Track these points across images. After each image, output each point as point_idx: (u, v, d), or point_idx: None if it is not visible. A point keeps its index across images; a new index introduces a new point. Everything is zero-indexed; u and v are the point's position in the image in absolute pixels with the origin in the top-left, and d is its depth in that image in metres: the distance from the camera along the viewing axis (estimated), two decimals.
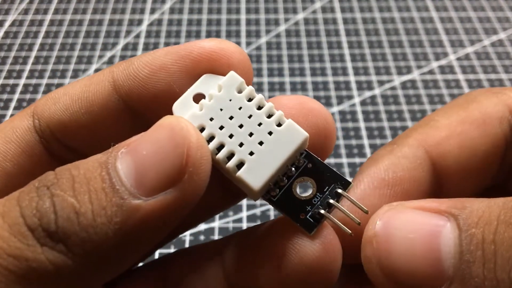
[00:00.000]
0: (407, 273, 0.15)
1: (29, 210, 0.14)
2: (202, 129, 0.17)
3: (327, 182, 0.17)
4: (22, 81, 0.47)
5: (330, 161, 0.41)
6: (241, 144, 0.17)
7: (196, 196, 0.15)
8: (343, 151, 0.41)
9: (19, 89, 0.46)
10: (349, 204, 0.17)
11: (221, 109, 0.17)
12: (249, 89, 0.17)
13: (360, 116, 0.44)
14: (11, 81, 0.47)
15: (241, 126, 0.17)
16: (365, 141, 0.42)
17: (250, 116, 0.17)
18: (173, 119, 0.15)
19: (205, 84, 0.17)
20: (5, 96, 0.45)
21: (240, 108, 0.17)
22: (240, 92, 0.17)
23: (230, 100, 0.17)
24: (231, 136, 0.17)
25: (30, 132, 0.19)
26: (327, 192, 0.17)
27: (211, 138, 0.17)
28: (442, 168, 0.19)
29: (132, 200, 0.14)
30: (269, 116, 0.17)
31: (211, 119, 0.17)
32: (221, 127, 0.17)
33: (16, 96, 0.46)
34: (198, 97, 0.17)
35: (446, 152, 0.19)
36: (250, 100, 0.17)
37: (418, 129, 0.20)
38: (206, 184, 0.15)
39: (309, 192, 0.17)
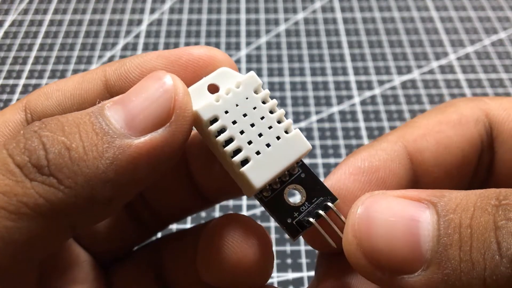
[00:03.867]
0: (387, 255, 0.15)
1: (17, 150, 0.15)
2: (215, 120, 0.17)
3: (316, 194, 0.18)
4: (22, 82, 0.47)
5: (330, 161, 0.41)
6: (249, 142, 0.17)
7: (182, 138, 0.16)
8: (343, 151, 0.41)
9: (19, 89, 0.46)
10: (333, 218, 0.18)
11: (236, 105, 0.18)
12: (265, 93, 0.18)
13: (360, 116, 0.44)
14: (10, 82, 0.47)
15: (252, 125, 0.18)
16: (365, 141, 0.42)
17: (262, 118, 0.18)
18: (160, 72, 0.17)
19: (221, 77, 0.18)
20: (4, 97, 0.45)
21: (254, 108, 0.18)
22: (256, 93, 0.18)
23: (247, 98, 0.18)
24: (242, 132, 0.17)
25: (23, 126, 0.19)
26: (315, 203, 0.18)
27: (222, 130, 0.17)
28: (419, 163, 0.20)
29: (123, 138, 0.15)
30: (279, 122, 0.18)
31: (226, 112, 0.17)
32: (234, 122, 0.17)
33: (15, 97, 0.46)
34: (211, 88, 0.18)
35: (423, 148, 0.20)
36: (264, 103, 0.18)
37: (398, 129, 0.21)
38: (191, 127, 0.17)
39: (298, 199, 0.18)
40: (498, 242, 0.13)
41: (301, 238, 0.36)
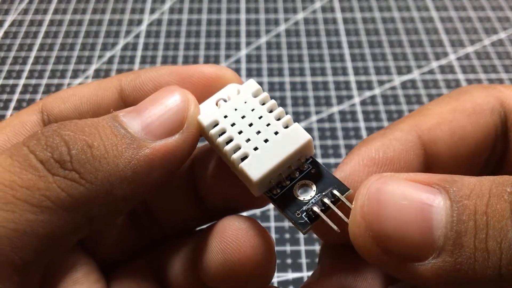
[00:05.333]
0: (397, 239, 0.14)
1: (38, 147, 0.15)
2: (216, 124, 0.18)
3: (327, 187, 0.18)
4: (22, 81, 0.47)
5: (330, 161, 0.41)
6: (247, 140, 0.18)
7: (191, 144, 0.18)
8: (343, 151, 0.41)
9: (19, 89, 0.46)
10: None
11: (235, 109, 0.19)
12: (264, 95, 0.19)
13: (360, 116, 0.44)
14: (10, 81, 0.47)
15: (251, 124, 0.18)
16: None
17: (260, 117, 0.18)
18: (174, 86, 0.18)
19: (228, 92, 0.19)
20: (4, 97, 0.45)
21: (253, 110, 0.19)
22: (256, 97, 0.19)
23: (245, 102, 0.19)
24: (240, 132, 0.18)
25: (40, 126, 0.19)
26: (324, 194, 0.18)
27: (222, 133, 0.18)
28: (433, 153, 0.19)
29: (141, 141, 0.17)
30: (278, 119, 0.18)
31: (225, 117, 0.18)
32: (233, 124, 0.18)
33: (15, 97, 0.46)
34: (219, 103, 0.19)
35: (437, 138, 0.19)
36: (263, 104, 0.19)
37: (411, 117, 0.20)
38: (198, 135, 0.18)
39: (309, 194, 0.18)
40: None
41: (302, 238, 0.36)
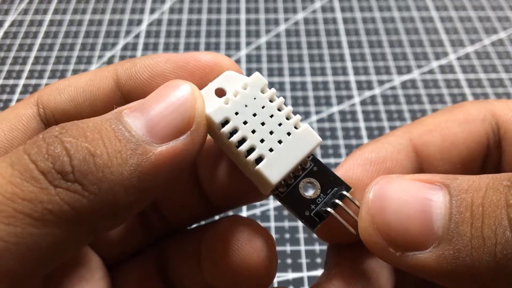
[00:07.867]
0: (399, 231, 0.16)
1: (40, 156, 0.15)
2: (227, 122, 0.18)
3: (330, 185, 0.19)
4: (22, 82, 0.47)
5: (330, 161, 0.41)
6: (262, 140, 0.18)
7: (200, 145, 0.17)
8: (343, 151, 0.41)
9: (19, 89, 0.46)
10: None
11: (246, 106, 0.18)
12: (272, 92, 0.18)
13: (360, 116, 0.44)
14: (10, 82, 0.47)
15: (263, 123, 0.18)
16: (365, 141, 0.42)
17: (271, 116, 0.18)
18: (179, 81, 0.17)
19: (226, 80, 0.19)
20: (4, 97, 0.45)
21: (263, 107, 0.18)
22: (263, 92, 0.18)
23: (255, 99, 0.18)
24: (253, 131, 0.18)
25: (36, 120, 0.19)
26: (330, 193, 0.19)
27: (234, 131, 0.18)
28: (424, 157, 0.20)
29: (146, 145, 0.16)
30: (287, 119, 0.18)
31: (236, 113, 0.18)
32: (245, 122, 0.18)
33: (15, 97, 0.46)
34: (218, 92, 0.18)
35: (428, 142, 0.20)
36: (271, 101, 0.18)
37: (405, 126, 0.21)
38: (206, 134, 0.17)
39: (315, 192, 0.19)
40: (509, 219, 0.14)
41: (302, 238, 0.36)
